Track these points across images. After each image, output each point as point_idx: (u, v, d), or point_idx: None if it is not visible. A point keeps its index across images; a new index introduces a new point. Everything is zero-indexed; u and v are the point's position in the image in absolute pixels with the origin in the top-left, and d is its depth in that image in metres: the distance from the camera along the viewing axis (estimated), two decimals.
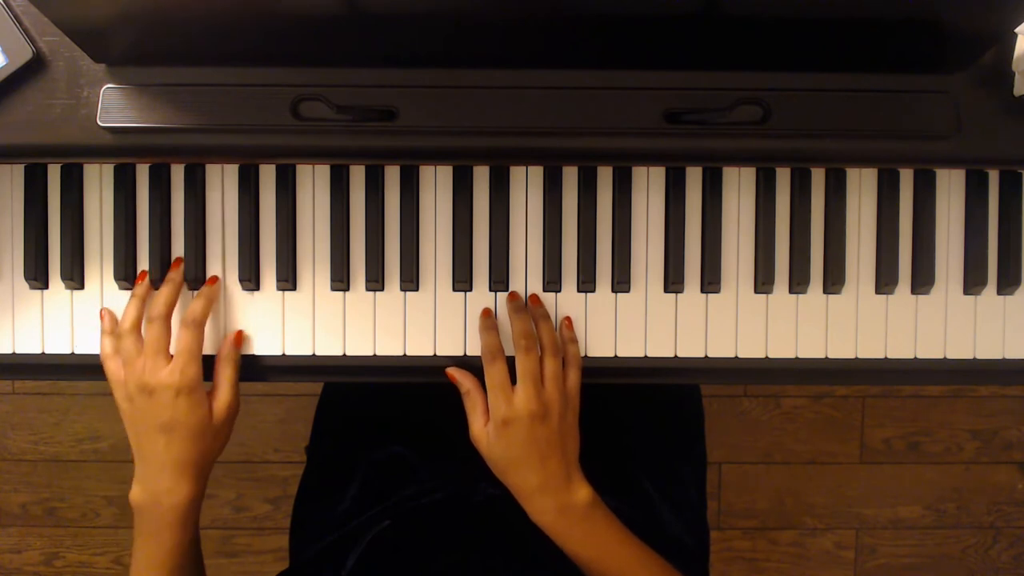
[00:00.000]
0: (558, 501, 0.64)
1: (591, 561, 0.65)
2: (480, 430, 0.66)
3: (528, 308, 0.69)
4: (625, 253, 0.69)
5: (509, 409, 0.64)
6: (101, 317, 0.68)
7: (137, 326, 0.66)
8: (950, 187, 0.70)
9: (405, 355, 0.69)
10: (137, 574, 0.67)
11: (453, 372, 0.68)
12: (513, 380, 0.66)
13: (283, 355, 0.69)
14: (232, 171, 0.69)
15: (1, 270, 0.69)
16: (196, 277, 0.68)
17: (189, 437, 0.64)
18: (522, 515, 0.74)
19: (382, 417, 0.86)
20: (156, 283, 0.68)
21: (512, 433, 0.64)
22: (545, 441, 0.64)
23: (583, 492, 0.65)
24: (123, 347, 0.65)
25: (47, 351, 0.69)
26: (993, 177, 0.70)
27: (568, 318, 0.69)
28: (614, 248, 0.69)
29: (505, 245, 0.69)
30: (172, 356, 0.65)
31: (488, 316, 0.68)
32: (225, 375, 0.67)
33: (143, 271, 0.68)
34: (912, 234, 0.70)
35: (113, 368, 0.66)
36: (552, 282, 0.69)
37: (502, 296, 0.69)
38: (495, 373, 0.65)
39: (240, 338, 0.68)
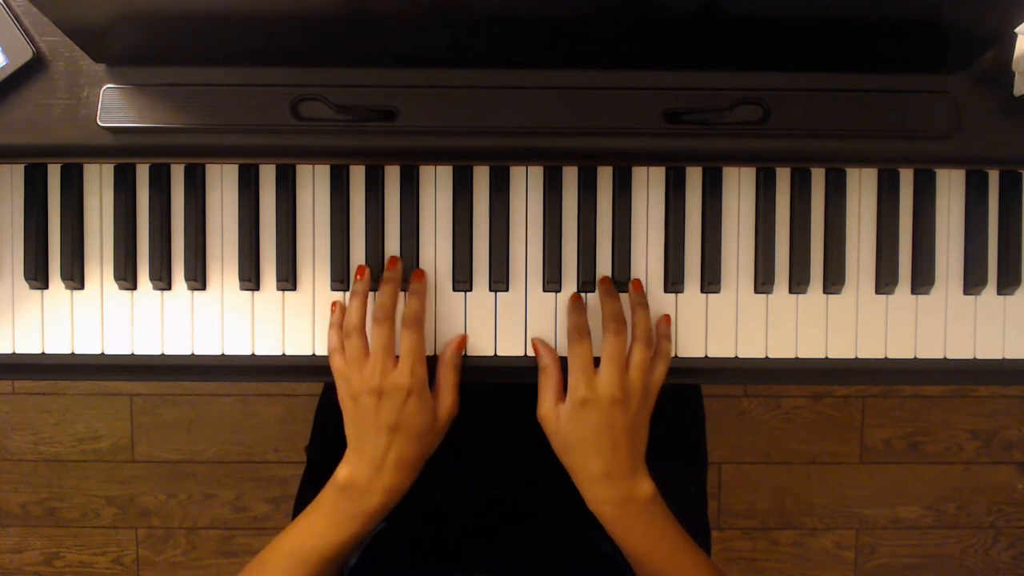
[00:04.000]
0: (620, 492, 0.64)
1: (644, 555, 0.64)
2: (550, 409, 0.65)
3: (625, 294, 0.69)
4: (625, 253, 0.69)
5: (589, 390, 0.64)
6: (332, 309, 0.68)
7: (363, 325, 0.66)
8: (950, 187, 0.70)
9: None
10: (299, 547, 0.65)
11: (537, 344, 0.68)
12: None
13: (283, 355, 0.69)
14: (232, 171, 0.69)
15: (1, 270, 0.69)
16: (196, 277, 0.68)
17: (414, 437, 0.64)
18: (520, 517, 0.74)
19: None
20: (156, 282, 0.68)
21: (587, 415, 0.63)
22: (619, 429, 0.63)
23: (646, 486, 0.64)
24: (350, 346, 0.65)
25: (47, 351, 0.69)
26: (993, 177, 0.70)
27: (667, 316, 0.69)
28: (614, 248, 0.69)
29: (505, 245, 0.69)
30: (397, 357, 0.65)
31: (578, 299, 0.69)
32: (448, 380, 0.67)
33: (361, 266, 0.68)
34: (912, 234, 0.70)
35: (339, 363, 0.66)
36: (552, 282, 0.69)
37: (502, 296, 0.69)
38: (580, 352, 0.65)
39: (463, 343, 0.68)
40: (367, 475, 0.64)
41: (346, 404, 0.66)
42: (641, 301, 0.68)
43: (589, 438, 0.64)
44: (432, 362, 0.68)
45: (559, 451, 0.66)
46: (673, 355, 0.69)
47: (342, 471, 0.65)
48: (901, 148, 0.67)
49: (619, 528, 0.65)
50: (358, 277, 0.68)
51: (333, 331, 0.67)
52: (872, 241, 0.70)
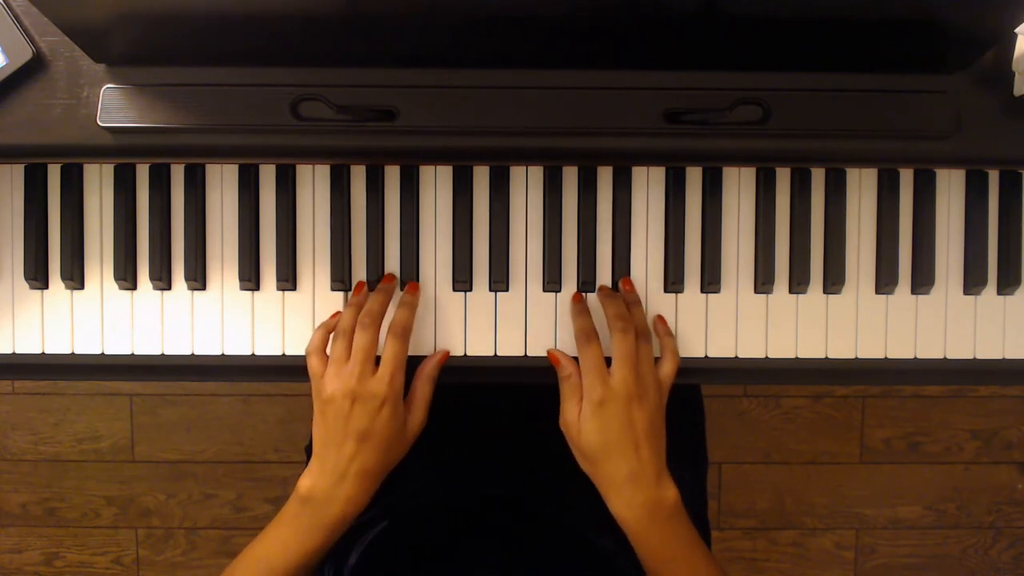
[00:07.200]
0: (648, 496, 0.63)
1: (665, 562, 0.64)
2: (573, 417, 0.64)
3: (621, 294, 0.69)
4: (625, 253, 0.69)
5: (606, 390, 0.63)
6: (332, 317, 0.68)
7: (352, 332, 0.65)
8: (950, 187, 0.70)
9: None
10: (265, 558, 0.66)
11: (556, 354, 0.67)
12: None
13: (283, 355, 0.69)
14: (232, 171, 0.69)
15: (1, 270, 0.69)
16: (196, 277, 0.68)
17: (381, 448, 0.64)
18: (520, 517, 0.74)
19: None
20: (156, 282, 0.68)
21: (608, 414, 0.63)
22: (640, 427, 0.63)
23: (672, 491, 0.64)
24: (335, 348, 0.65)
25: (47, 351, 0.69)
26: (993, 177, 0.70)
27: (660, 316, 0.69)
28: (614, 248, 0.69)
29: (505, 245, 0.69)
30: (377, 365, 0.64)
31: (580, 300, 0.68)
32: (423, 393, 0.67)
33: (360, 282, 0.68)
34: (912, 234, 0.70)
35: (316, 364, 0.65)
36: (552, 282, 0.69)
37: (502, 296, 0.69)
38: (591, 354, 0.64)
39: (445, 358, 0.68)
40: (329, 485, 0.64)
41: (317, 406, 0.65)
42: (635, 299, 0.68)
43: (612, 439, 0.63)
44: (413, 367, 0.67)
45: (583, 460, 0.65)
46: None
47: (304, 482, 0.65)
48: (901, 148, 0.67)
49: (643, 534, 0.64)
50: (356, 292, 0.68)
51: (319, 332, 0.67)
52: (872, 241, 0.70)
